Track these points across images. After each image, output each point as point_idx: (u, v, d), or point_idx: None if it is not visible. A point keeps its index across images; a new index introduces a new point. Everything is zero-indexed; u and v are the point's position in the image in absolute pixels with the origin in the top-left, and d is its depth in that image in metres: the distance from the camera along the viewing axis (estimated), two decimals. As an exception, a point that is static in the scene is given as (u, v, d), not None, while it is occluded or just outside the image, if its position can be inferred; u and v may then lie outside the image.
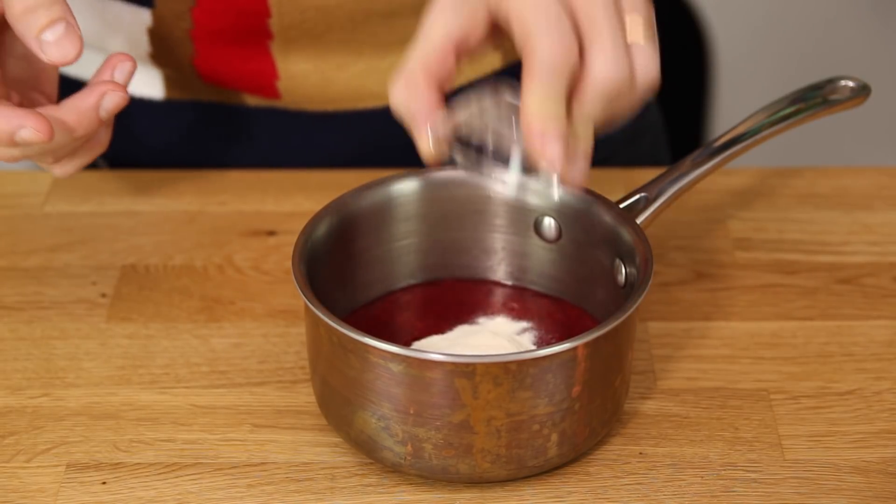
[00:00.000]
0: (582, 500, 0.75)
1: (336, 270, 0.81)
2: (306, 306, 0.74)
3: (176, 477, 0.77)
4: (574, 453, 0.76)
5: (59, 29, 0.74)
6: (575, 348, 0.72)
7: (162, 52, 0.97)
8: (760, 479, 0.76)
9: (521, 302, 0.84)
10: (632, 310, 0.73)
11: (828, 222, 0.96)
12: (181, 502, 0.75)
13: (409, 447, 0.73)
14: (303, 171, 1.02)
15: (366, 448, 0.76)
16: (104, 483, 0.76)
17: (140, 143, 1.00)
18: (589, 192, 0.80)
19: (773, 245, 0.94)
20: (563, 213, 0.82)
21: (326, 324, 0.72)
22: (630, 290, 0.76)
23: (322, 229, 0.79)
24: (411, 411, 0.72)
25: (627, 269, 0.78)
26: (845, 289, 0.90)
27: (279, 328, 0.87)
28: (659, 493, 0.75)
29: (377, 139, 1.00)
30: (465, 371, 0.70)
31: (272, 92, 0.98)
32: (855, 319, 0.88)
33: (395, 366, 0.71)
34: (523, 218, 0.83)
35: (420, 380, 0.71)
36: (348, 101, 0.99)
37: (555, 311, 0.83)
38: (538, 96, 0.67)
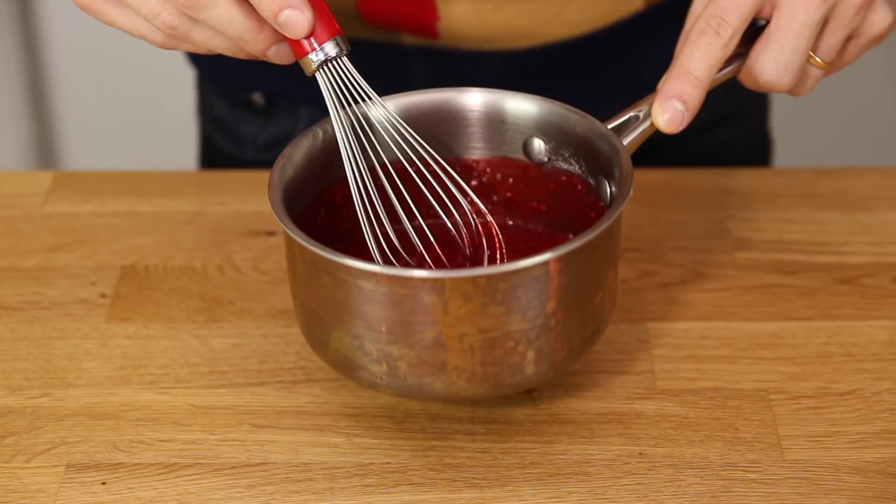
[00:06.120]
0: (582, 500, 0.75)
1: (314, 196, 0.80)
2: (283, 230, 0.73)
3: (176, 477, 0.77)
4: (553, 372, 0.75)
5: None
6: (546, 262, 0.70)
7: None
8: (760, 480, 0.76)
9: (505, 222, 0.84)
10: (607, 223, 0.72)
11: (828, 222, 0.96)
12: (181, 502, 0.75)
13: (384, 366, 0.73)
14: (303, 172, 1.02)
15: (343, 369, 0.75)
16: (104, 483, 0.76)
17: (301, 79, 1.01)
18: (574, 110, 0.80)
19: (772, 245, 0.94)
20: (548, 134, 0.81)
21: (299, 244, 0.72)
22: None
23: (300, 154, 0.78)
24: (383, 329, 0.71)
25: (612, 188, 0.77)
26: (845, 289, 0.90)
27: (279, 328, 0.87)
28: (659, 493, 0.75)
29: (529, 77, 1.02)
30: (434, 287, 0.70)
31: (432, 32, 1.00)
32: (855, 320, 0.88)
33: (364, 283, 0.70)
34: (508, 139, 0.82)
35: (389, 297, 0.70)
36: (503, 41, 1.00)
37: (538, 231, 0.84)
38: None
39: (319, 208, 0.81)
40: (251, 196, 0.99)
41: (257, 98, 1.09)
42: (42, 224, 0.96)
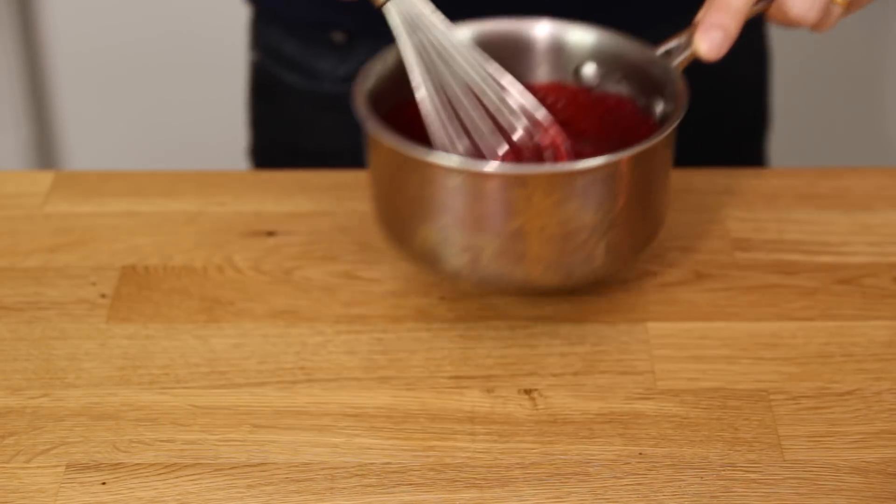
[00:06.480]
0: (582, 500, 0.75)
1: (387, 110, 0.85)
2: (369, 133, 0.79)
3: (176, 477, 0.77)
4: (617, 265, 0.81)
5: None
6: (619, 161, 0.77)
7: None
8: (760, 480, 0.76)
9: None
10: (669, 130, 0.78)
11: (828, 223, 0.96)
12: (181, 502, 0.75)
13: (468, 256, 0.78)
14: (303, 172, 1.02)
15: (428, 260, 0.81)
16: (104, 483, 0.76)
17: (382, 18, 1.05)
18: (628, 38, 0.86)
19: (773, 245, 0.94)
20: (601, 59, 0.87)
21: (387, 145, 0.77)
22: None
23: (377, 69, 0.84)
24: (469, 222, 0.77)
25: (665, 106, 0.83)
26: (845, 289, 0.90)
27: (279, 329, 0.87)
28: (659, 493, 0.75)
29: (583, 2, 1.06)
30: (519, 181, 0.76)
31: None
32: (855, 320, 0.88)
33: (452, 179, 0.76)
34: (564, 65, 0.88)
35: (477, 191, 0.76)
36: None
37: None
38: None
39: (391, 122, 0.85)
40: (251, 196, 0.99)
41: (338, 36, 1.12)
42: (42, 224, 0.96)
